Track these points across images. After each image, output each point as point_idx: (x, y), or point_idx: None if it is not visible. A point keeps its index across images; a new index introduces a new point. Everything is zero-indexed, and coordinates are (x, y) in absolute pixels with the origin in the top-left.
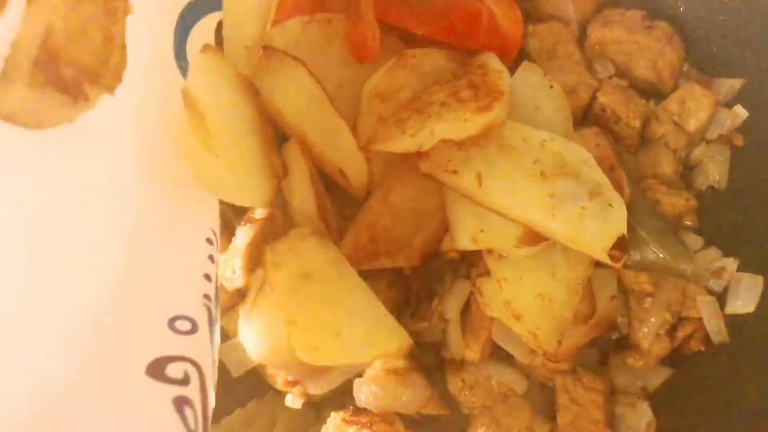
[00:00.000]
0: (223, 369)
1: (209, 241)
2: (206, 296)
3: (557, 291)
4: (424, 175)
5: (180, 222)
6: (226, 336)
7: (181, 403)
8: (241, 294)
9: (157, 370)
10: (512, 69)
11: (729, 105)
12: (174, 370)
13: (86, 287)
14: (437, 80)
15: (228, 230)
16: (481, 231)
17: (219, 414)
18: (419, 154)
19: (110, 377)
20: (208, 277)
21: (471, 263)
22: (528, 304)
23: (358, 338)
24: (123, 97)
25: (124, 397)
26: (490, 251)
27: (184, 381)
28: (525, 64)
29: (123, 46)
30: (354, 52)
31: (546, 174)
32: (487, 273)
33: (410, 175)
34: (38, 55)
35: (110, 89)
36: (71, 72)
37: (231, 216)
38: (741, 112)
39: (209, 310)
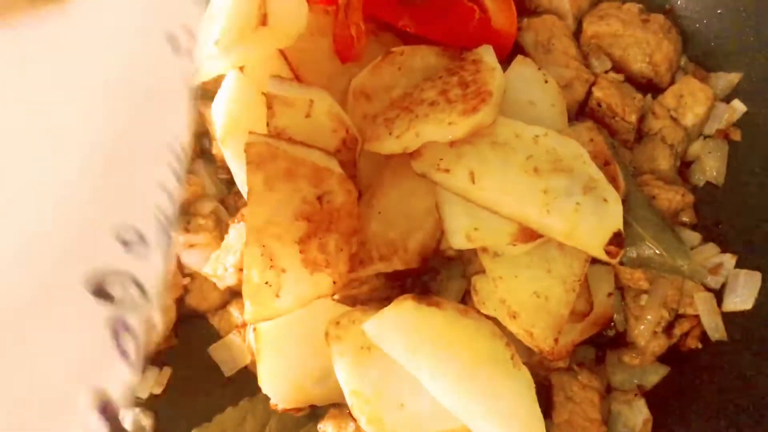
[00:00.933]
0: (215, 368)
1: (172, 148)
2: (159, 207)
3: (553, 288)
4: (415, 174)
5: (144, 127)
6: (217, 335)
7: (117, 324)
8: (232, 292)
9: (95, 283)
10: (506, 63)
11: (727, 99)
12: (114, 287)
13: (36, 189)
14: (429, 76)
15: (221, 227)
16: (475, 229)
17: (211, 412)
18: (411, 154)
19: (48, 289)
20: (162, 185)
21: (466, 261)
22: (524, 303)
23: (424, 410)
24: None
25: (60, 311)
26: (484, 249)
27: (123, 301)
28: (519, 58)
29: None
30: (338, 51)
31: (540, 170)
32: (482, 271)
33: (396, 177)
34: None
35: None
36: None
37: (224, 213)
38: (739, 106)
39: (160, 223)
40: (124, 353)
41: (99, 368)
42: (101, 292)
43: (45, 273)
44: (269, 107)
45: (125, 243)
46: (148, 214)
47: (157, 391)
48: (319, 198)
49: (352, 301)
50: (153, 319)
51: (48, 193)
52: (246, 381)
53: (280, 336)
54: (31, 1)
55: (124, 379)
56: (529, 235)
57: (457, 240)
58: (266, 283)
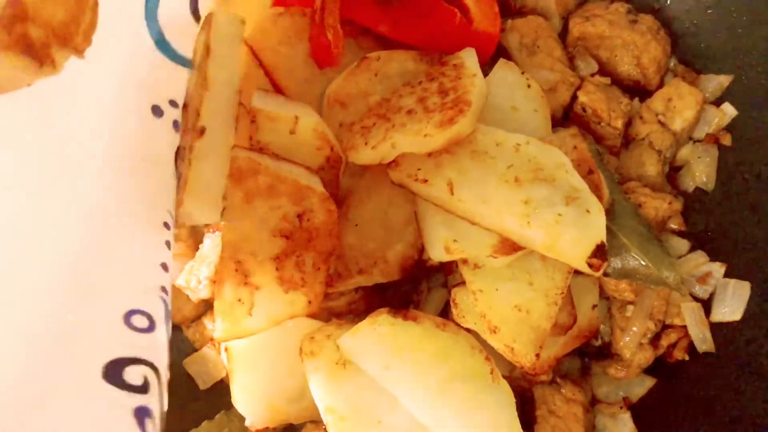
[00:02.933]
0: (190, 381)
1: (166, 225)
2: (163, 288)
3: (535, 302)
4: (393, 184)
5: (138, 203)
6: (192, 348)
7: (141, 414)
8: (207, 304)
9: (114, 373)
10: (489, 66)
11: (717, 102)
12: (133, 375)
13: (40, 273)
14: (409, 81)
15: (195, 237)
16: (455, 241)
17: (187, 426)
18: (388, 164)
19: (66, 381)
20: (164, 266)
21: (447, 271)
22: (505, 316)
23: (401, 427)
24: (91, 62)
25: (80, 403)
26: (464, 261)
27: (144, 388)
28: (501, 62)
29: (95, 6)
30: (315, 56)
31: (520, 179)
32: (463, 283)
33: (373, 186)
34: (4, 14)
35: (79, 52)
36: (39, 33)
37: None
38: (729, 110)
39: (165, 303)
40: None
41: None
42: (122, 383)
43: (59, 363)
44: (253, 121)
45: (138, 330)
46: (154, 297)
47: None
48: (299, 216)
49: (328, 315)
50: (165, 395)
51: (48, 279)
52: (222, 394)
53: (252, 354)
54: (31, 72)
55: None
56: (510, 246)
57: (436, 252)
58: (239, 300)
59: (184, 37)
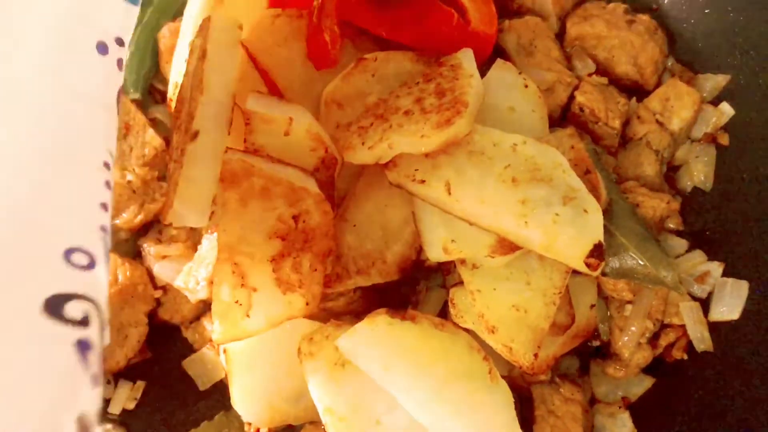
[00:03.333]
0: (190, 381)
1: (106, 165)
2: (103, 228)
3: (533, 301)
4: (391, 184)
5: (77, 142)
6: (191, 348)
7: (83, 347)
8: (206, 304)
9: (54, 308)
10: (487, 66)
11: (714, 102)
12: (73, 310)
13: None
14: (406, 82)
15: (194, 238)
16: (453, 241)
17: (186, 426)
18: (386, 164)
19: (4, 317)
20: (104, 206)
21: (446, 271)
22: (502, 316)
23: (400, 427)
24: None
25: (20, 338)
26: (463, 261)
27: (84, 322)
28: (498, 62)
29: None
30: (312, 57)
31: (518, 180)
32: (461, 283)
33: (371, 187)
34: None
35: None
36: None
37: None
38: (727, 109)
39: (105, 242)
40: (92, 371)
41: (76, 393)
42: (63, 318)
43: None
44: (247, 123)
45: (77, 266)
46: (94, 235)
47: (130, 406)
48: (295, 217)
49: (326, 315)
50: (106, 331)
51: None
52: (221, 394)
53: (251, 355)
54: None
55: (95, 397)
56: (507, 246)
57: (434, 252)
58: (236, 302)
59: None
